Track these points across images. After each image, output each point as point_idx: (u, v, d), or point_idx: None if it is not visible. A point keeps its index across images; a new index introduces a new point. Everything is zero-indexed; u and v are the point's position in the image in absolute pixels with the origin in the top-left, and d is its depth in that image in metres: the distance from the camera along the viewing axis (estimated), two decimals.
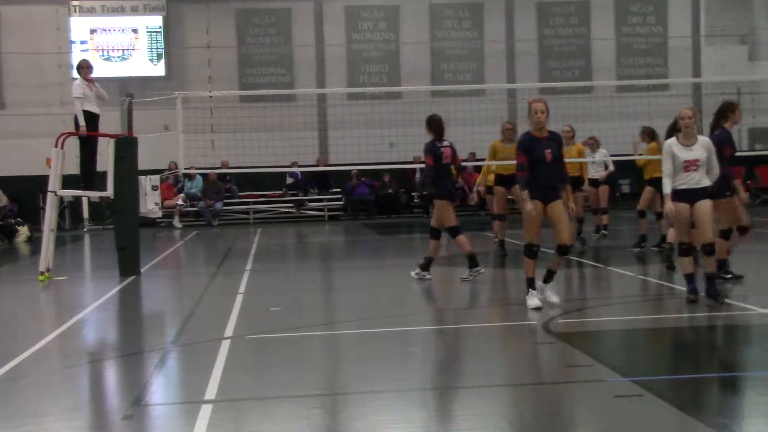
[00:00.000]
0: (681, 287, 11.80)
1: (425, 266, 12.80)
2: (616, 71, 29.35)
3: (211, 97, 25.33)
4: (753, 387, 6.96)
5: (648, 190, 15.23)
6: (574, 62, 29.59)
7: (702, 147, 9.85)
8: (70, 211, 25.84)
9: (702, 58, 29.81)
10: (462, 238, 12.56)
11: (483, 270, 12.68)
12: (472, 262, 12.51)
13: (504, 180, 15.38)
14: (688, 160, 9.75)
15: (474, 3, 29.58)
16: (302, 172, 26.87)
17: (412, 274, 12.86)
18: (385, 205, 27.71)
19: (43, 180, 16.30)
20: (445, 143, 12.50)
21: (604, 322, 9.12)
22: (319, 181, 28.12)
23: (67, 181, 14.94)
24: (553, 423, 6.08)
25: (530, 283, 10.15)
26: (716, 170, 9.98)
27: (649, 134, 16.00)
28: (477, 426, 6.04)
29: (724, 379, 7.15)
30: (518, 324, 9.70)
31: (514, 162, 15.12)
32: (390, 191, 27.74)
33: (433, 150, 12.35)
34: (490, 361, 8.10)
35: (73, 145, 15.22)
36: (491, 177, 16.09)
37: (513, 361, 8.18)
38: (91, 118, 14.78)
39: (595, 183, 17.09)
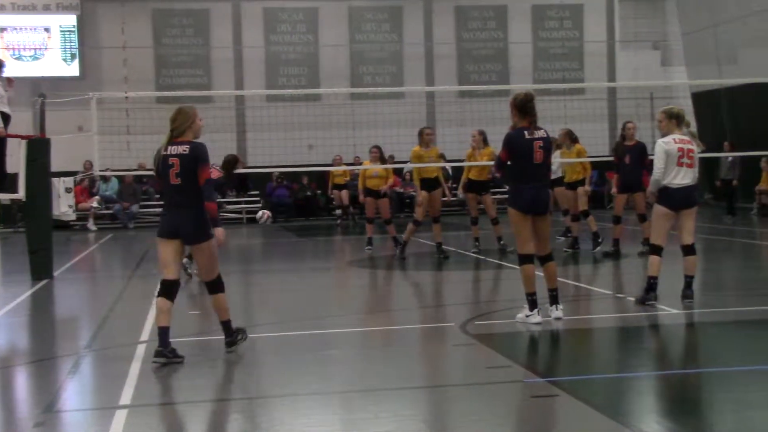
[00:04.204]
0: (602, 289, 12.01)
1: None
2: (533, 75, 29.74)
3: (127, 98, 24.94)
4: (669, 387, 7.09)
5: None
6: (492, 66, 29.88)
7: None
8: None
9: (617, 62, 30.37)
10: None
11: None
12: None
13: (428, 183, 15.35)
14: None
15: (393, 6, 29.67)
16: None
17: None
18: (304, 208, 27.62)
19: None
20: None
21: (523, 324, 9.19)
22: (237, 183, 27.86)
23: None
24: (471, 424, 6.10)
25: (533, 303, 9.24)
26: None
27: (570, 137, 16.11)
28: (395, 428, 6.03)
29: (640, 379, 7.26)
30: (436, 326, 9.74)
31: (435, 165, 15.44)
32: (309, 193, 27.66)
33: None
34: (408, 363, 8.10)
35: None
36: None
37: (431, 362, 8.21)
38: (5, 119, 14.43)
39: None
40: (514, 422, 6.26)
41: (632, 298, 10.50)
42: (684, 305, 9.97)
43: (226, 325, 8.33)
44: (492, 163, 15.60)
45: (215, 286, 8.27)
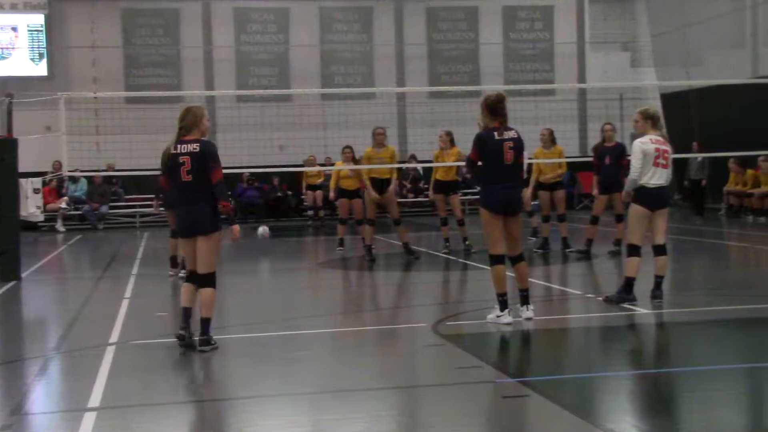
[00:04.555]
0: (573, 289, 12.07)
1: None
2: (504, 76, 29.79)
3: (96, 98, 24.76)
4: (639, 386, 7.12)
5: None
6: (463, 67, 29.93)
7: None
8: None
9: (587, 64, 30.51)
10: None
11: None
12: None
13: (379, 184, 15.35)
14: None
15: (363, 7, 29.65)
16: None
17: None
18: (275, 208, 27.54)
19: None
20: None
21: (494, 324, 9.21)
22: None
23: None
24: (441, 424, 6.10)
25: (503, 304, 9.25)
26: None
27: (551, 137, 16.09)
28: (365, 429, 6.03)
29: (610, 379, 7.29)
30: (407, 326, 9.74)
31: (387, 167, 15.43)
32: (280, 194, 27.58)
33: None
34: (379, 363, 8.10)
35: None
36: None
37: (402, 363, 8.20)
38: None
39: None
40: (484, 422, 6.26)
41: (601, 298, 10.54)
42: (653, 305, 10.03)
43: (205, 322, 8.37)
44: (459, 163, 15.68)
45: (209, 280, 8.42)
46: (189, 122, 8.42)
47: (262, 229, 14.70)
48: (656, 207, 10.17)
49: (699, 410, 6.31)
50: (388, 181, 15.32)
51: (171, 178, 8.50)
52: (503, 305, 9.24)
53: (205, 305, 8.39)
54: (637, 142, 10.26)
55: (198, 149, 8.31)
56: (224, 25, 28.86)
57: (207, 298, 8.39)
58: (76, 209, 26.15)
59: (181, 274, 13.51)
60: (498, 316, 9.25)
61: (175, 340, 8.38)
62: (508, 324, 9.13)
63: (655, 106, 27.30)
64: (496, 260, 9.28)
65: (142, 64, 28.38)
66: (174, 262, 13.82)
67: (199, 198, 8.32)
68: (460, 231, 16.12)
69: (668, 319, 9.76)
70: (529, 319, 9.31)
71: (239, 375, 7.74)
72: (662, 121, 10.56)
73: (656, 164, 10.11)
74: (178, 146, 8.34)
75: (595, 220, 15.20)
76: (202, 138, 8.47)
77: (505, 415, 6.36)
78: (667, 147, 10.26)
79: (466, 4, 30.06)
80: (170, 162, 8.36)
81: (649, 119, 10.30)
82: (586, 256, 14.98)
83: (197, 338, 8.34)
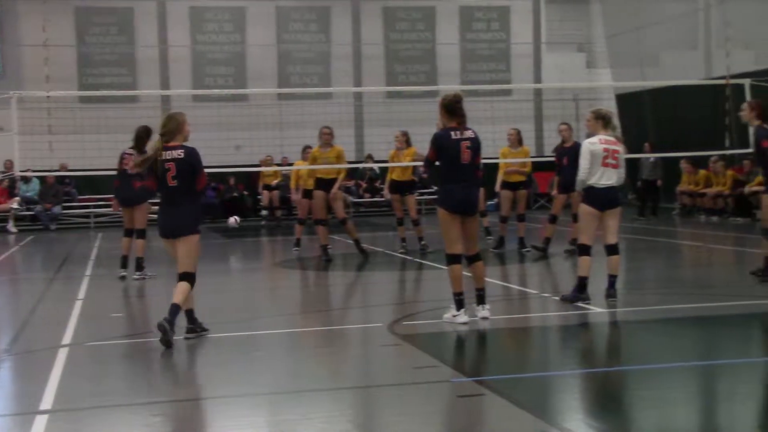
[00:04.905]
0: (529, 289, 12.13)
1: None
2: (461, 76, 29.90)
3: (48, 97, 24.46)
4: (594, 385, 7.17)
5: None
6: (419, 66, 29.98)
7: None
8: None
9: (543, 64, 30.70)
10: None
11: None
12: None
13: (325, 184, 15.33)
14: None
15: (320, 6, 29.60)
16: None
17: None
18: (231, 209, 27.36)
19: None
20: None
21: (450, 323, 9.22)
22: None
23: None
24: (398, 424, 6.09)
25: (459, 303, 9.26)
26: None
27: (518, 138, 16.11)
28: (323, 429, 6.01)
29: (566, 378, 7.32)
30: (364, 326, 9.73)
31: (335, 167, 15.42)
32: (236, 194, 27.44)
33: None
34: (336, 363, 8.08)
35: None
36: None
37: (359, 363, 8.19)
38: None
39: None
40: (440, 422, 6.27)
41: (557, 297, 10.61)
42: (608, 304, 10.10)
43: (174, 308, 8.69)
44: (415, 163, 15.70)
45: (188, 277, 8.85)
46: (171, 128, 8.74)
47: (233, 219, 14.73)
48: (605, 207, 10.23)
49: (653, 408, 6.36)
50: (334, 182, 15.32)
51: (157, 183, 8.82)
52: (459, 304, 9.26)
53: (178, 293, 8.74)
54: (586, 142, 10.33)
55: (182, 155, 8.64)
56: (180, 24, 28.66)
57: (181, 287, 8.77)
58: (28, 210, 25.82)
59: (135, 276, 13.43)
60: (454, 316, 9.27)
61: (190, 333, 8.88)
62: (464, 323, 9.14)
63: (610, 106, 27.66)
64: (452, 260, 9.30)
65: (96, 63, 28.09)
66: (125, 263, 13.70)
67: (182, 201, 8.71)
68: (416, 231, 16.13)
69: (622, 317, 9.83)
70: (485, 318, 9.33)
71: (196, 376, 7.68)
72: (615, 121, 10.61)
73: (605, 164, 10.16)
74: (164, 153, 8.65)
75: (553, 219, 15.30)
76: (185, 144, 8.78)
77: (461, 415, 6.37)
78: (618, 147, 10.31)
79: (422, 4, 30.12)
80: (158, 168, 8.67)
81: (600, 119, 10.36)
82: (543, 254, 15.07)
83: (163, 321, 8.53)
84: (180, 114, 8.91)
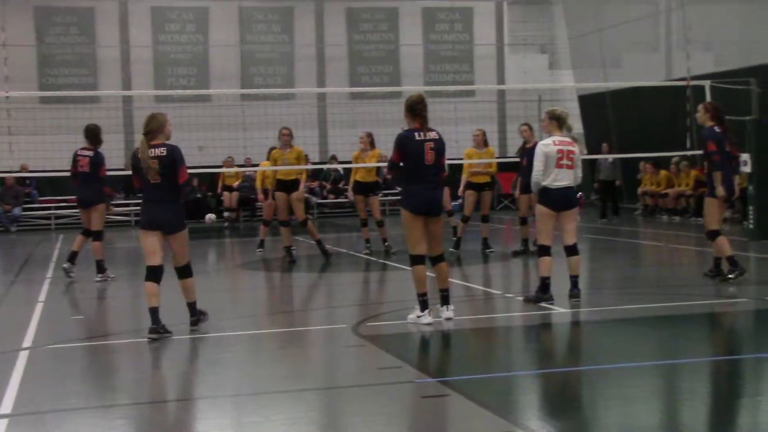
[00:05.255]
0: (493, 289, 12.17)
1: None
2: (424, 77, 29.96)
3: (8, 97, 24.18)
4: (557, 384, 7.20)
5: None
6: (383, 67, 30.00)
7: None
8: None
9: (506, 65, 30.83)
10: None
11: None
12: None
13: (285, 185, 15.29)
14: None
15: (284, 7, 29.53)
16: (108, 177, 26.04)
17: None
18: (194, 210, 27.19)
19: None
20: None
21: (414, 324, 9.23)
22: (125, 185, 27.39)
23: None
24: (362, 425, 6.09)
25: (423, 304, 9.26)
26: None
27: (484, 138, 16.12)
28: (287, 430, 5.99)
29: (529, 377, 7.35)
30: (328, 327, 9.71)
31: (295, 167, 15.39)
32: (199, 195, 27.28)
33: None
34: (300, 365, 8.06)
35: None
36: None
37: (323, 364, 8.17)
38: None
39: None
40: (405, 422, 6.27)
41: (521, 298, 10.65)
42: (571, 304, 10.15)
43: (192, 305, 9.40)
44: (380, 164, 15.69)
45: (186, 271, 9.37)
46: (153, 127, 9.15)
47: (209, 217, 14.81)
48: (560, 208, 10.27)
49: (615, 407, 6.41)
50: (294, 183, 15.26)
51: (141, 179, 9.22)
52: (423, 305, 9.26)
53: (188, 291, 9.37)
54: (540, 144, 10.38)
55: (165, 153, 9.07)
56: (141, 24, 28.48)
57: (189, 285, 9.37)
58: None
59: (97, 279, 13.34)
60: (418, 317, 9.27)
61: (152, 334, 8.89)
62: (428, 324, 9.15)
63: (573, 107, 27.83)
64: (416, 260, 9.30)
65: (56, 63, 27.84)
66: (72, 257, 13.71)
67: (167, 197, 9.14)
68: (380, 232, 16.13)
69: (585, 318, 9.89)
70: (449, 319, 9.35)
71: (159, 378, 7.63)
72: (570, 122, 10.66)
73: (559, 165, 10.19)
74: (148, 151, 9.04)
75: (523, 221, 15.28)
76: (167, 142, 9.22)
77: (425, 415, 6.38)
78: (573, 147, 10.36)
79: (386, 6, 30.14)
80: (142, 165, 9.06)
81: (555, 120, 10.40)
82: (525, 254, 15.03)
83: (190, 320, 9.31)
84: (161, 114, 9.29)
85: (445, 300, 9.44)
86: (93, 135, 13.47)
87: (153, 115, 9.28)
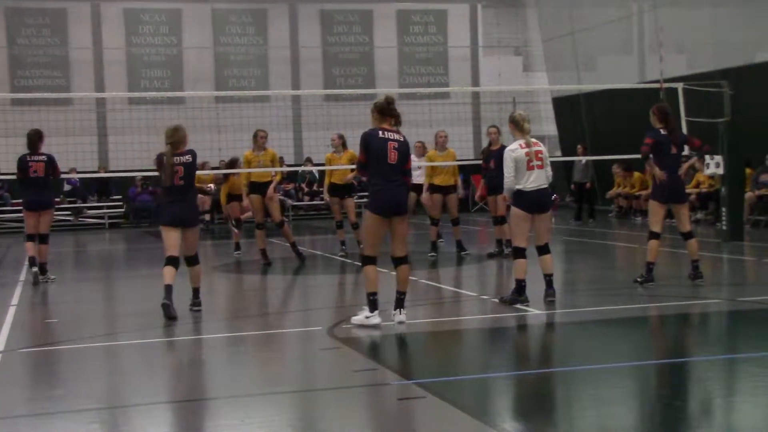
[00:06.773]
0: (469, 292, 12.18)
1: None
2: (399, 79, 30.00)
3: None
4: (533, 385, 7.21)
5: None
6: (357, 69, 30.01)
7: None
8: None
9: (480, 67, 30.91)
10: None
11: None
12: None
13: (259, 188, 15.25)
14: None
15: (257, 9, 29.47)
16: (81, 179, 25.92)
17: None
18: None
19: None
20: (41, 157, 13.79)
21: (389, 326, 9.22)
22: (99, 187, 27.24)
23: None
24: (337, 427, 6.07)
25: (373, 304, 9.25)
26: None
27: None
28: None
29: (505, 379, 7.36)
30: (304, 330, 9.69)
31: (268, 170, 15.35)
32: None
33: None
34: (275, 367, 8.04)
35: None
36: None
37: (298, 367, 8.15)
38: None
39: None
40: (380, 425, 6.26)
41: (496, 300, 10.67)
42: (546, 305, 10.18)
43: (196, 291, 10.65)
44: (353, 166, 15.65)
45: (196, 259, 10.62)
46: (178, 139, 10.34)
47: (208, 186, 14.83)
48: (535, 210, 10.30)
49: (590, 407, 6.43)
50: (268, 185, 15.24)
51: (166, 181, 10.34)
52: (373, 305, 9.23)
53: (196, 277, 10.63)
54: (507, 150, 10.39)
55: (190, 160, 10.36)
56: (114, 26, 28.34)
57: (197, 271, 10.66)
58: None
59: (51, 278, 13.70)
60: (367, 317, 9.25)
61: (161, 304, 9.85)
62: (376, 326, 9.13)
63: (547, 110, 27.93)
64: (368, 260, 9.28)
65: (28, 64, 27.65)
66: (34, 261, 13.74)
67: (187, 197, 10.36)
68: (355, 234, 16.10)
69: (559, 319, 9.92)
70: (401, 323, 9.30)
71: (131, 381, 7.58)
72: (551, 124, 10.74)
73: (530, 167, 10.22)
74: (175, 158, 10.23)
75: (500, 221, 15.26)
76: (191, 149, 10.48)
77: (401, 417, 6.37)
78: (541, 147, 10.40)
79: (360, 8, 30.15)
80: (166, 170, 10.26)
81: (511, 123, 10.44)
82: (500, 255, 15.04)
83: (193, 300, 10.59)
84: (183, 127, 10.51)
85: (400, 303, 9.36)
86: (34, 142, 13.87)
87: (176, 128, 10.43)
